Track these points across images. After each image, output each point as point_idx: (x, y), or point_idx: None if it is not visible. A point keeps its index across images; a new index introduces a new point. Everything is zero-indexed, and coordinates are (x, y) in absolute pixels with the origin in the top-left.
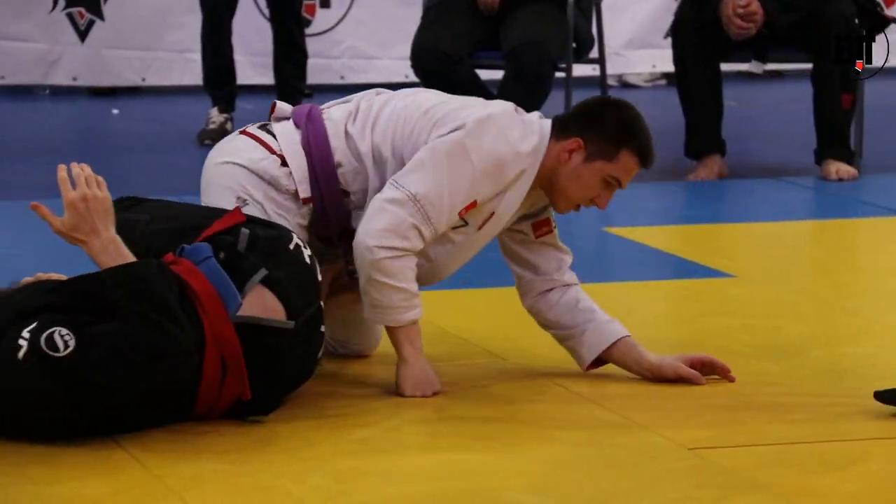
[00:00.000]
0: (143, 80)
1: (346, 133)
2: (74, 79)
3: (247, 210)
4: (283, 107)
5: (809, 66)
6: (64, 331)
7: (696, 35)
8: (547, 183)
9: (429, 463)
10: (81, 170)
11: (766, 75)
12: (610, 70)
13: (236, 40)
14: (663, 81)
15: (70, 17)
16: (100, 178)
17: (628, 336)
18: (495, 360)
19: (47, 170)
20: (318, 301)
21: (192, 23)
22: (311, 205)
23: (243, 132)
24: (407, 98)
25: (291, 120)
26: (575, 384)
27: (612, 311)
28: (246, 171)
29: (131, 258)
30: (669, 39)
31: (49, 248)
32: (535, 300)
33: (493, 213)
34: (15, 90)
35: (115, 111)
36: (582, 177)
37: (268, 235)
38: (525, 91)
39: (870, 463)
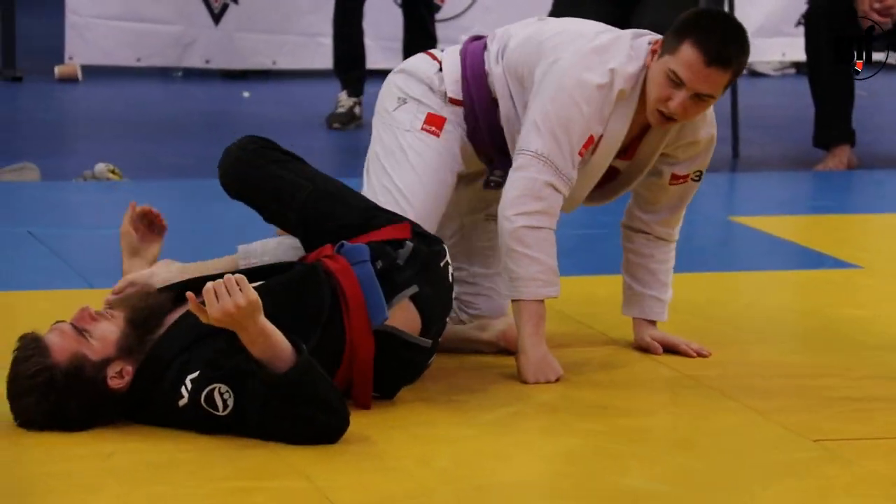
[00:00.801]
0: (274, 63)
1: (491, 53)
2: (207, 62)
3: (405, 108)
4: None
5: None
6: (224, 388)
7: (830, 24)
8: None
9: (550, 448)
10: (224, 282)
11: None
12: None
13: (367, 24)
14: (792, 70)
15: (205, 1)
16: (240, 278)
17: (648, 320)
18: (616, 347)
19: (179, 151)
20: (447, 317)
21: (324, 6)
22: (461, 108)
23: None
24: (536, 25)
25: None
26: (694, 370)
27: (738, 300)
28: (407, 75)
29: (281, 346)
30: (800, 27)
31: (180, 228)
32: (626, 229)
33: (601, 137)
34: (150, 72)
35: (246, 94)
36: (654, 75)
37: (428, 252)
38: None
39: None
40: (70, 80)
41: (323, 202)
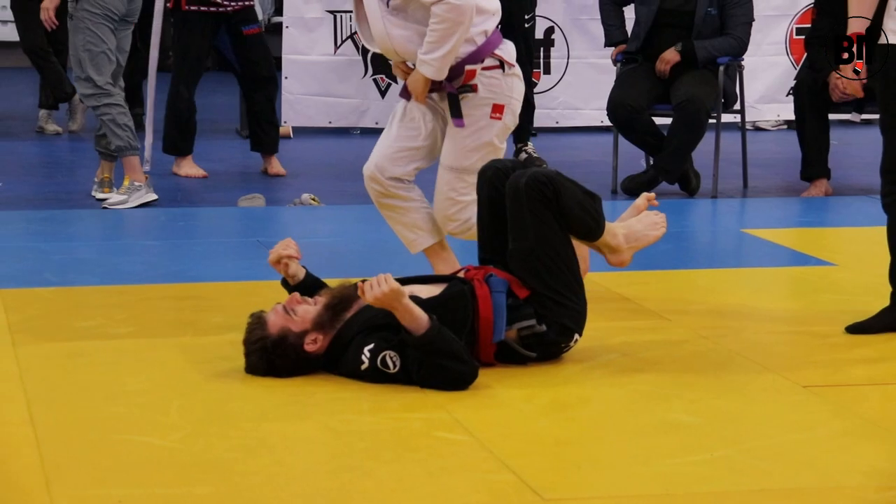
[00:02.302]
0: None
1: None
2: (376, 123)
3: None
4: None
5: None
6: (392, 353)
7: (811, 94)
8: None
9: (617, 391)
10: (376, 278)
11: (862, 122)
12: (747, 118)
13: None
14: (785, 126)
15: (375, 81)
16: (386, 276)
17: None
18: (660, 321)
19: (358, 185)
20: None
21: None
22: None
23: None
24: None
25: None
26: (715, 337)
27: (747, 289)
28: None
29: (421, 319)
30: (790, 96)
31: (357, 238)
32: None
33: None
34: (338, 131)
35: None
36: None
37: (554, 338)
38: (687, 133)
39: None
40: (285, 137)
41: (531, 260)
